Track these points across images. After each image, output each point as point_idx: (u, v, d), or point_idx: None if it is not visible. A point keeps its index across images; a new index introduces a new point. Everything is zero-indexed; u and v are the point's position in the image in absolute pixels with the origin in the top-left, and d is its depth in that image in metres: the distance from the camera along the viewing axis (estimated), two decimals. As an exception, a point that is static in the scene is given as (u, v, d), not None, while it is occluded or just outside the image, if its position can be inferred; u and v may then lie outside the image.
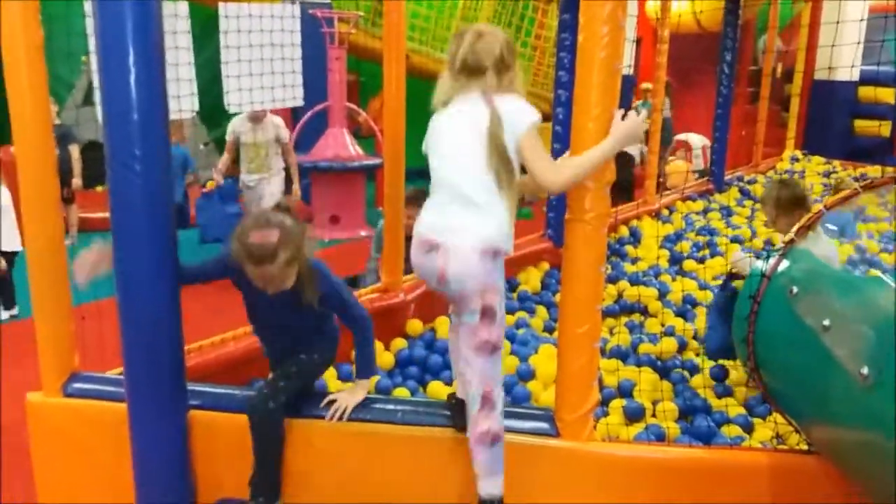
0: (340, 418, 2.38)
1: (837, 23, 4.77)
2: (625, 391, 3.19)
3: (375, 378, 2.46)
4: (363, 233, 7.67)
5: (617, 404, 3.05)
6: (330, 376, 3.25)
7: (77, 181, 6.79)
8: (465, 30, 2.19)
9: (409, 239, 2.35)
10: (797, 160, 8.82)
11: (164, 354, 2.25)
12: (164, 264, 2.20)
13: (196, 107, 2.59)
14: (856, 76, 10.21)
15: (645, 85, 8.49)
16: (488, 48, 2.12)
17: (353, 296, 2.48)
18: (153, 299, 2.20)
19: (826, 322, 1.88)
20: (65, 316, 2.54)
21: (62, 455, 2.52)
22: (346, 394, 2.44)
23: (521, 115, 2.10)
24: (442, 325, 3.87)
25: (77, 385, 2.53)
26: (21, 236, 4.77)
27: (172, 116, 2.21)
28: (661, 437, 2.73)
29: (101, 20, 2.07)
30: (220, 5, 2.94)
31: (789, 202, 3.13)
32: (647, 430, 2.79)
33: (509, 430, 2.31)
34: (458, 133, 2.14)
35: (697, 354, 3.64)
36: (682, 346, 3.71)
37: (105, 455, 2.45)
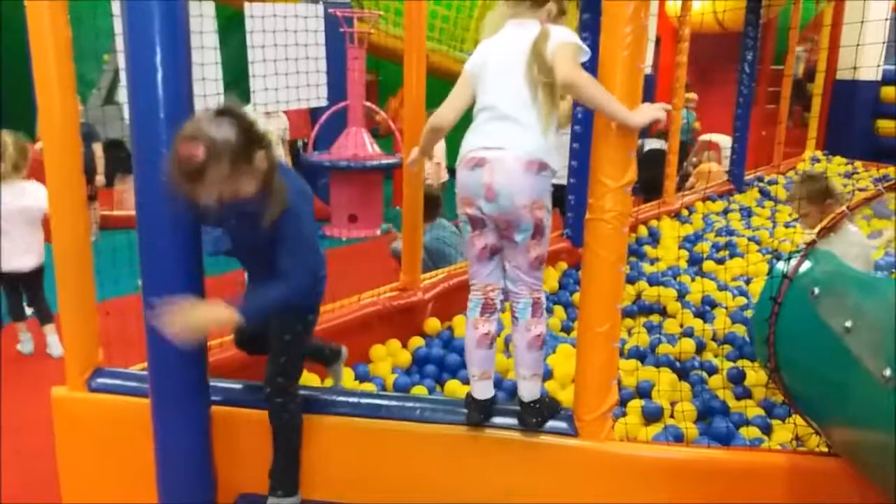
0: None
1: (861, 22, 4.70)
2: (643, 392, 3.19)
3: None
4: (380, 231, 7.71)
5: (635, 405, 3.04)
6: (346, 375, 3.27)
7: (100, 178, 6.87)
8: None
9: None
10: (818, 161, 8.75)
11: (186, 350, 2.28)
12: (189, 261, 2.23)
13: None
14: (879, 76, 10.10)
15: (689, 95, 8.39)
16: None
17: (312, 247, 2.23)
18: (178, 294, 2.22)
19: (848, 324, 1.87)
20: (89, 312, 2.57)
21: (86, 449, 2.56)
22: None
23: (568, 36, 2.17)
24: (459, 324, 3.88)
25: (101, 380, 2.57)
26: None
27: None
28: (679, 438, 2.73)
29: (128, 20, 2.10)
30: (246, 5, 2.98)
31: (819, 195, 3.13)
32: (665, 431, 2.79)
33: (528, 430, 2.33)
34: (505, 52, 2.21)
35: (716, 356, 3.62)
36: (701, 347, 3.70)
37: (128, 449, 2.49)
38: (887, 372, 1.68)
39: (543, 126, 2.15)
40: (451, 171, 3.13)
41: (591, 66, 2.18)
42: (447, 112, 2.33)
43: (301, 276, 2.16)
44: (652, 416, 2.99)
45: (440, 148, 6.76)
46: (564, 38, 2.16)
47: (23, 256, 4.34)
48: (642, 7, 2.09)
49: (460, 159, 2.24)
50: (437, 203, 4.75)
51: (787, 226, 5.44)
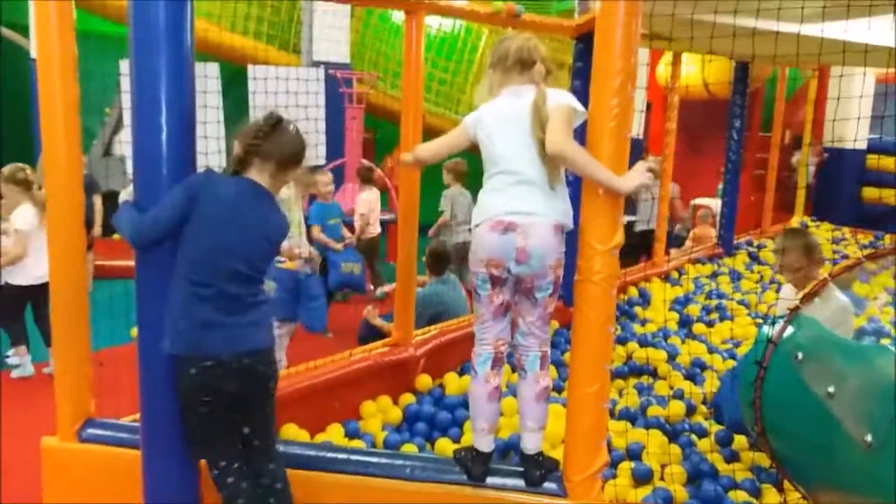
0: None
1: (838, 98, 4.87)
2: (633, 454, 3.19)
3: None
4: (378, 296, 7.74)
5: (625, 466, 3.05)
6: (336, 432, 3.27)
7: (98, 229, 6.93)
8: (511, 35, 2.46)
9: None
10: (806, 226, 8.88)
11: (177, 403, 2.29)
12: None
13: (223, 163, 2.69)
14: (864, 145, 10.35)
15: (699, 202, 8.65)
16: (538, 46, 2.39)
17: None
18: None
19: (831, 389, 1.91)
20: (84, 361, 2.60)
21: (74, 500, 2.54)
22: None
23: (564, 97, 2.31)
24: (451, 381, 3.90)
25: (92, 430, 2.57)
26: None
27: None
28: (668, 501, 2.73)
29: (136, 79, 2.18)
30: (249, 67, 3.08)
31: (803, 249, 3.19)
32: (655, 494, 2.79)
33: (517, 490, 2.34)
34: (508, 117, 2.34)
35: (706, 418, 3.64)
36: (691, 410, 3.71)
37: (117, 500, 2.47)
38: (868, 437, 1.72)
39: (560, 187, 2.31)
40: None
41: (581, 130, 2.27)
42: (439, 150, 2.53)
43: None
44: (642, 478, 2.99)
45: (367, 202, 6.84)
46: (559, 102, 2.27)
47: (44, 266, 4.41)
48: (628, 81, 2.19)
49: (483, 220, 2.32)
50: (446, 259, 4.83)
51: (777, 290, 5.51)
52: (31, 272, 4.69)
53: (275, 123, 2.22)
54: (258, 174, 2.22)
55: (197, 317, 2.11)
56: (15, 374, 4.92)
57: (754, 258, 7.30)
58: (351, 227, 6.21)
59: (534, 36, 2.44)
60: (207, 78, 2.84)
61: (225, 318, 2.13)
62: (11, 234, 4.83)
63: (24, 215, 4.80)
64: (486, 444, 2.42)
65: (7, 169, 4.86)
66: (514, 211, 2.26)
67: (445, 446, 3.23)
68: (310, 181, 2.35)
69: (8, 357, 5.11)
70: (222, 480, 2.22)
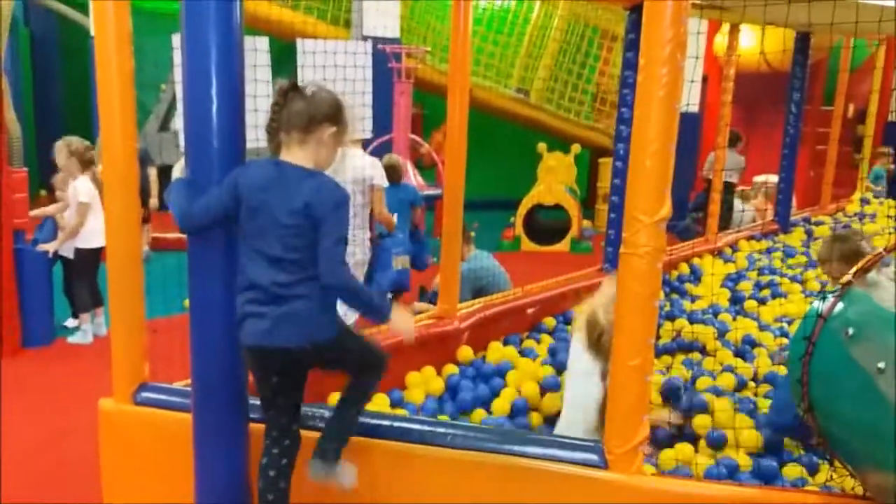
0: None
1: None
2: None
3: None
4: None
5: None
6: (381, 401, 3.33)
7: (154, 201, 7.13)
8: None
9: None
10: (868, 203, 8.58)
11: (228, 367, 2.36)
12: (233, 282, 2.32)
13: (271, 136, 2.73)
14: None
15: (883, 149, 8.41)
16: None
17: None
18: (223, 316, 2.32)
19: (881, 364, 1.86)
20: (138, 328, 2.68)
21: (129, 460, 2.66)
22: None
23: None
24: (494, 350, 3.94)
25: (146, 394, 2.67)
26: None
27: (250, 146, 2.34)
28: (733, 471, 2.80)
29: (187, 53, 2.22)
30: (298, 41, 3.11)
31: (850, 255, 3.07)
32: (719, 465, 2.84)
33: (558, 459, 2.35)
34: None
35: (755, 395, 3.58)
36: (741, 385, 3.67)
37: (169, 461, 2.57)
38: (919, 414, 1.68)
39: None
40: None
41: (632, 104, 2.23)
42: None
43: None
44: (716, 443, 3.02)
45: None
46: None
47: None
48: (678, 50, 2.14)
49: None
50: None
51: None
52: (100, 238, 4.92)
53: (285, 92, 2.13)
54: (288, 148, 2.16)
55: (237, 306, 2.19)
56: (72, 339, 5.13)
57: (811, 235, 7.10)
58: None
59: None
60: (257, 51, 2.87)
61: (256, 308, 2.13)
62: (73, 205, 5.03)
63: (84, 188, 4.99)
64: None
65: (77, 143, 5.05)
66: None
67: (481, 416, 3.28)
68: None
69: (68, 325, 5.36)
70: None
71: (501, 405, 3.43)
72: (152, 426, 2.63)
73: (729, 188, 6.82)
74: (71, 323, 5.39)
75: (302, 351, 2.15)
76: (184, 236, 2.33)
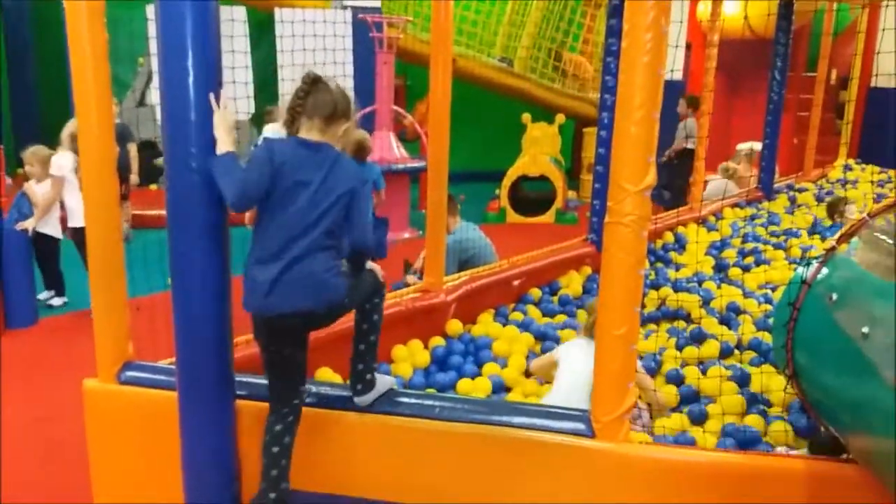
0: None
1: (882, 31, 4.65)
2: (687, 398, 3.23)
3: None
4: (407, 234, 7.76)
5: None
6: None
7: (134, 177, 7.02)
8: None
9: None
10: (850, 169, 8.63)
11: (213, 345, 2.34)
12: (217, 258, 2.29)
13: (252, 109, 2.69)
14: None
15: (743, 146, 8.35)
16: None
17: None
18: (205, 292, 2.29)
19: (865, 329, 1.87)
20: (121, 307, 2.65)
21: (116, 439, 2.64)
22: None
23: None
24: (483, 321, 3.95)
25: (131, 373, 2.64)
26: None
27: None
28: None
29: (161, 24, 2.17)
30: (276, 10, 3.04)
31: (834, 208, 3.11)
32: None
33: (546, 429, 2.36)
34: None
35: (740, 362, 3.61)
36: (727, 353, 3.70)
37: (156, 440, 2.56)
38: (903, 378, 1.69)
39: None
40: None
41: (616, 72, 2.21)
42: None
43: None
44: (698, 419, 3.02)
45: None
46: None
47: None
48: (662, 14, 2.11)
49: None
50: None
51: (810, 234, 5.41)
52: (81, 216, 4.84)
53: (313, 81, 2.25)
54: (307, 133, 2.25)
55: (249, 278, 2.22)
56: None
57: (794, 202, 7.13)
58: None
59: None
60: (234, 21, 2.80)
61: (280, 276, 2.18)
62: (46, 182, 4.97)
63: (59, 161, 4.91)
64: None
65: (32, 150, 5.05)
66: None
67: (467, 386, 3.30)
68: (349, 141, 2.31)
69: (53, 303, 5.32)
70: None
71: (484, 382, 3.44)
72: (137, 405, 2.61)
73: (690, 155, 6.83)
74: (52, 299, 5.35)
75: (317, 314, 2.25)
76: (164, 213, 2.29)
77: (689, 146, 7.25)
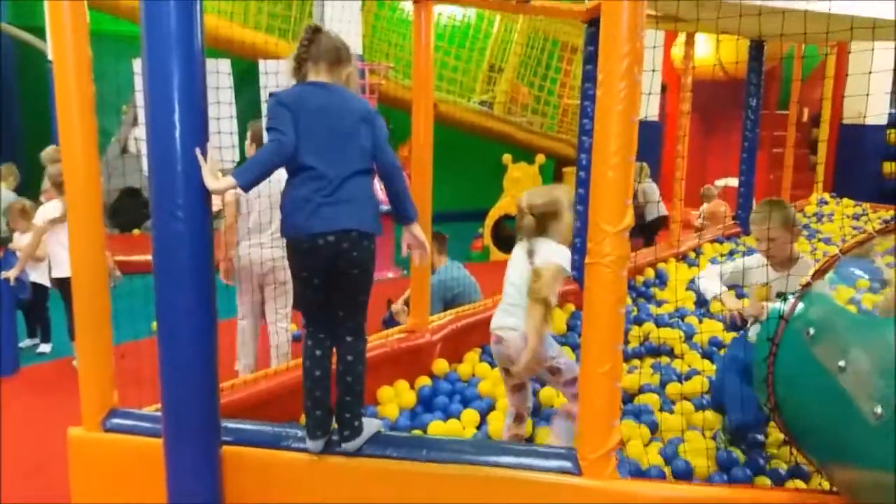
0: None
1: (847, 75, 4.81)
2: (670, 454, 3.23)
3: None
4: (390, 274, 7.79)
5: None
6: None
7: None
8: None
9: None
10: (825, 203, 8.80)
11: (199, 391, 2.35)
12: (203, 307, 2.32)
13: (237, 157, 2.73)
14: (883, 120, 10.21)
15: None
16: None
17: None
18: (191, 340, 2.31)
19: (842, 363, 1.92)
20: (106, 353, 2.66)
21: (100, 488, 2.61)
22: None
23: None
24: (469, 361, 3.97)
25: (116, 420, 2.63)
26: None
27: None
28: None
29: (149, 78, 2.22)
30: (260, 62, 3.11)
31: (787, 221, 3.12)
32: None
33: (533, 468, 2.37)
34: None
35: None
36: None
37: (141, 488, 2.54)
38: (878, 409, 1.73)
39: None
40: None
41: (593, 115, 2.28)
42: None
43: None
44: (683, 475, 2.94)
45: None
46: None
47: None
48: (636, 63, 2.19)
49: None
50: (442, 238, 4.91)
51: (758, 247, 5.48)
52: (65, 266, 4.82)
53: (315, 30, 2.41)
54: (316, 77, 2.40)
55: (296, 201, 2.32)
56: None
57: (772, 237, 7.25)
58: None
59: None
60: (219, 73, 2.87)
61: (317, 198, 2.30)
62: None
63: (44, 210, 4.91)
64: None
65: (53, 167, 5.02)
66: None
67: (438, 428, 3.30)
68: (352, 87, 2.48)
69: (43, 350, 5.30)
70: (304, 342, 2.46)
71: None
72: (123, 452, 2.60)
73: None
74: (40, 346, 5.32)
75: (354, 236, 2.33)
76: (149, 258, 2.32)
77: (650, 218, 7.59)
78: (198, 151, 2.25)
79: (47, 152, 5.33)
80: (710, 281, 3.34)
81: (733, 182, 8.32)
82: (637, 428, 3.21)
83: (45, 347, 5.39)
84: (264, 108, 3.13)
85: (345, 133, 2.35)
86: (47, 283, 5.24)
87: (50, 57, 2.50)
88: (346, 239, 2.31)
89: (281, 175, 2.38)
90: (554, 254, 2.83)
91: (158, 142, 2.25)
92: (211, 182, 2.25)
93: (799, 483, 2.83)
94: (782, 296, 2.66)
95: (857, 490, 2.04)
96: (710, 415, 3.31)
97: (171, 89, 2.19)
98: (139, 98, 2.31)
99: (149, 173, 2.29)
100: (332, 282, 2.38)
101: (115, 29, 8.25)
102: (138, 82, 2.52)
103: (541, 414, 3.45)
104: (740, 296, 3.77)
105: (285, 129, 2.28)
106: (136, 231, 8.65)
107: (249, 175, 2.27)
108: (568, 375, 2.87)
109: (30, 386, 4.81)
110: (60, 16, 2.47)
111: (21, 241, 5.09)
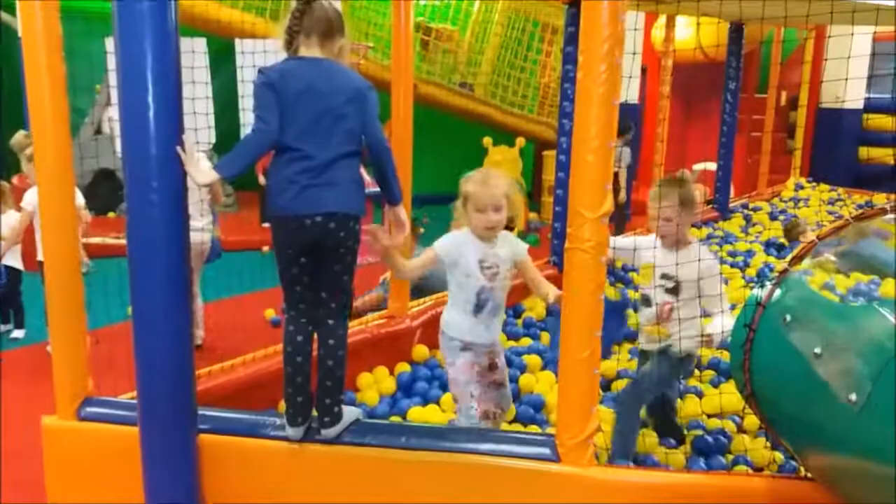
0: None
1: (827, 58, 4.83)
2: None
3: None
4: (370, 258, 7.75)
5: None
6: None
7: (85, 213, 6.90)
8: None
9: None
10: (802, 187, 8.87)
11: (175, 378, 2.32)
12: (178, 291, 2.28)
13: (213, 139, 2.68)
14: (861, 104, 10.28)
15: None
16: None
17: None
18: (166, 325, 2.28)
19: (818, 350, 1.92)
20: (80, 340, 2.61)
21: (75, 478, 2.58)
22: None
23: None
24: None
25: (91, 409, 2.60)
26: (22, 259, 5.10)
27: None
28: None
29: (121, 57, 2.17)
30: (237, 41, 3.06)
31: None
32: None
33: (511, 455, 2.37)
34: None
35: (700, 381, 3.67)
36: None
37: (117, 477, 2.51)
38: (853, 396, 1.74)
39: None
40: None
41: (573, 98, 2.27)
42: None
43: None
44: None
45: None
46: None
47: None
48: (616, 46, 2.17)
49: None
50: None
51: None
52: None
53: (307, 1, 2.35)
54: (307, 51, 2.35)
55: (281, 182, 2.29)
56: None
57: (749, 221, 7.31)
58: None
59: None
60: (195, 53, 2.81)
61: (302, 180, 2.28)
62: (9, 213, 4.88)
63: (32, 196, 4.80)
64: None
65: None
66: None
67: (418, 414, 3.29)
68: (345, 58, 2.43)
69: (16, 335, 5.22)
70: (285, 328, 2.44)
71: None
72: (98, 442, 2.56)
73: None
74: (13, 332, 5.24)
75: (340, 217, 2.32)
76: (123, 241, 2.28)
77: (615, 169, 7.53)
78: (179, 149, 2.21)
79: (16, 139, 5.20)
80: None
81: (711, 166, 8.36)
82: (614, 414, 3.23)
83: (18, 333, 5.28)
84: (240, 88, 3.07)
85: (332, 114, 2.30)
86: (21, 267, 5.14)
87: (20, 34, 2.42)
88: (332, 219, 2.31)
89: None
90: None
91: (132, 122, 2.20)
92: (198, 177, 2.24)
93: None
94: (666, 277, 2.88)
95: (832, 476, 2.06)
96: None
97: (144, 69, 2.14)
98: (112, 77, 2.26)
99: (122, 155, 2.24)
100: (318, 258, 2.37)
101: (86, 5, 8.06)
102: (111, 61, 2.45)
103: (521, 399, 3.45)
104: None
105: (268, 117, 2.25)
106: (111, 214, 8.52)
107: (233, 167, 2.26)
108: None
109: (2, 373, 4.73)
110: (29, -9, 2.40)
111: (2, 221, 4.99)
